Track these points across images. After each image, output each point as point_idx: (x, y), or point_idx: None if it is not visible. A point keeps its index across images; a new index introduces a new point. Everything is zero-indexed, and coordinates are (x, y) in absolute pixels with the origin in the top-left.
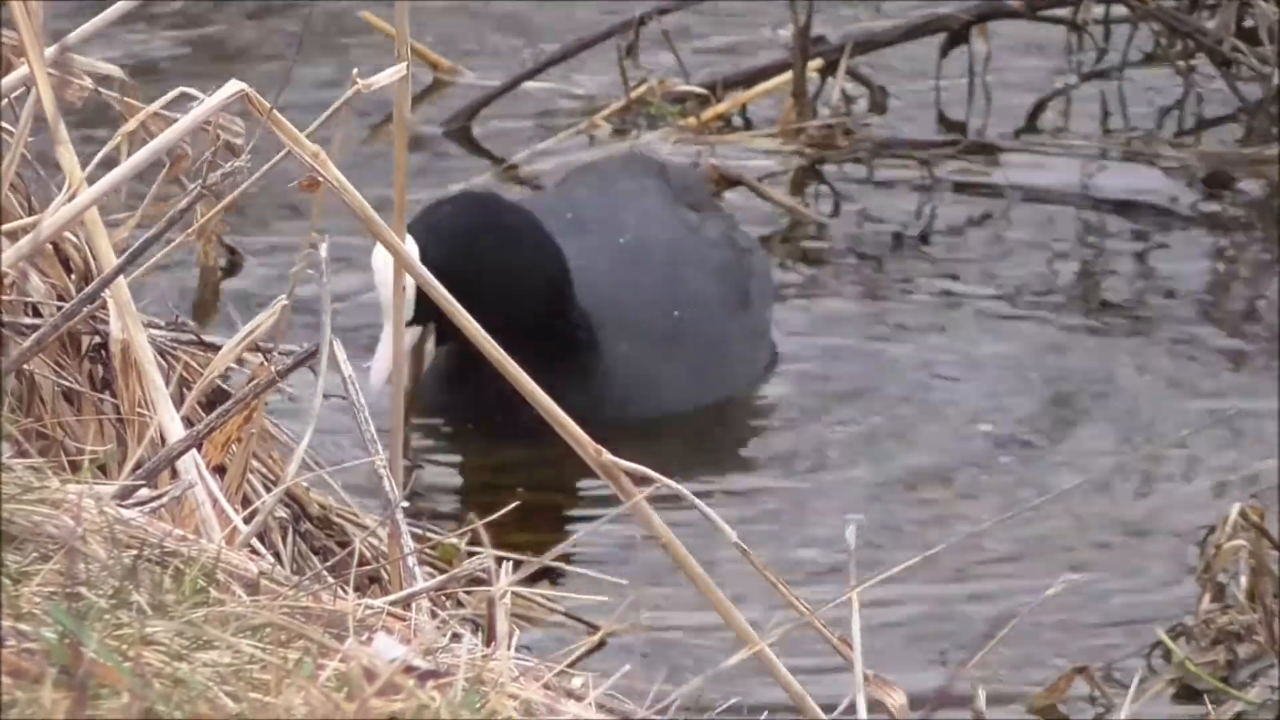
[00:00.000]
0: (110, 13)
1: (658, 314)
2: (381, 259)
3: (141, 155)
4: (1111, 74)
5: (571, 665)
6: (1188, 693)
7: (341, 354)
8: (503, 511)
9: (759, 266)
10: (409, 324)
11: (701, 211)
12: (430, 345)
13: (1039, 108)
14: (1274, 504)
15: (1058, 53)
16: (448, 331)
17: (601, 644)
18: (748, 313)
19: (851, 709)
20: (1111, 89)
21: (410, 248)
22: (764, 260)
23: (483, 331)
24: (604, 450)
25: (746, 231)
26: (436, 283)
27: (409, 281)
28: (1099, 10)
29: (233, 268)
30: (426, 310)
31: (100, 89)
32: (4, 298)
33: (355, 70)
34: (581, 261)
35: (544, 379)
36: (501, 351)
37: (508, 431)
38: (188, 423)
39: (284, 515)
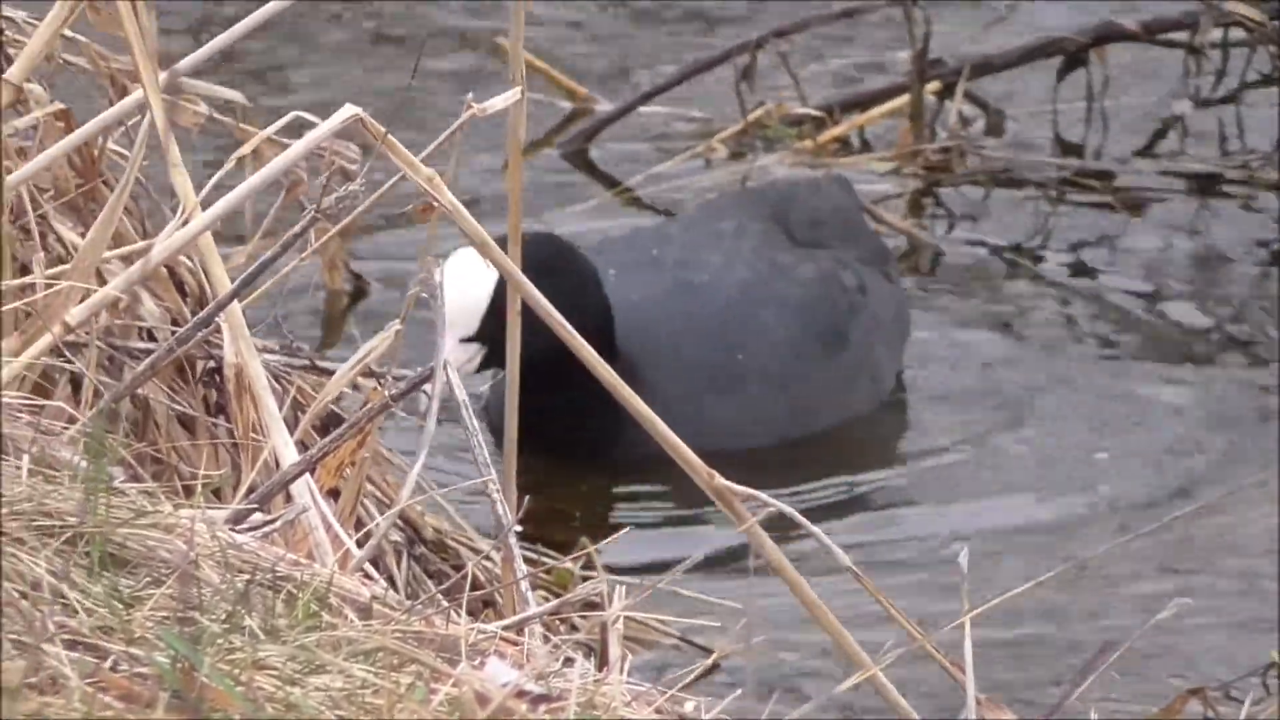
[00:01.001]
0: (226, 37)
1: (717, 354)
2: (450, 277)
3: (256, 180)
4: (1229, 99)
5: (684, 689)
6: None
7: (455, 378)
8: (616, 536)
9: (876, 304)
10: (465, 340)
11: (825, 246)
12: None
13: (1158, 134)
14: None
15: (1175, 76)
16: (498, 356)
17: (715, 667)
18: (842, 350)
19: None
20: (1229, 111)
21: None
22: (889, 298)
23: (595, 355)
24: (716, 474)
25: (880, 270)
26: (554, 310)
27: (473, 299)
28: (1217, 34)
29: (359, 293)
30: (484, 332)
31: (216, 113)
32: (119, 322)
33: (469, 94)
34: (645, 300)
35: (580, 411)
36: (614, 374)
37: (570, 455)
38: (301, 447)
39: (398, 539)
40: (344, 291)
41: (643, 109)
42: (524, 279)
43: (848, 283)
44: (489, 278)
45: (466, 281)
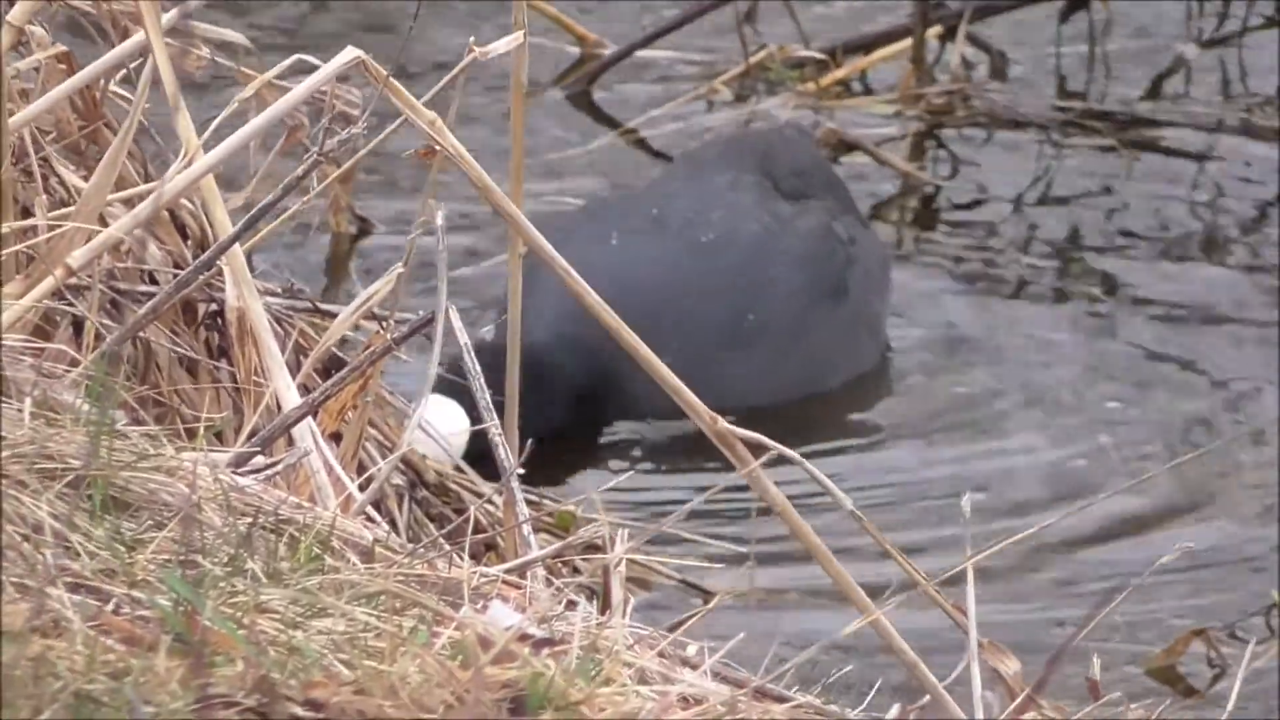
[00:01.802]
0: None
1: (728, 313)
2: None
3: (258, 123)
4: (1232, 40)
5: (686, 632)
6: None
7: (457, 321)
8: (619, 480)
9: (865, 256)
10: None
11: (810, 197)
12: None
13: (1161, 77)
14: None
15: (1178, 18)
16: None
17: (715, 609)
18: (844, 303)
19: (966, 676)
20: (1232, 55)
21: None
22: (873, 249)
23: (607, 310)
24: (720, 418)
25: (856, 219)
26: (554, 252)
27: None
28: None
29: (363, 235)
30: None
31: (218, 57)
32: (121, 265)
33: (472, 38)
34: (656, 263)
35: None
36: (618, 319)
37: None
38: (304, 390)
39: (400, 482)
40: (348, 234)
41: (645, 51)
42: (529, 225)
43: (841, 234)
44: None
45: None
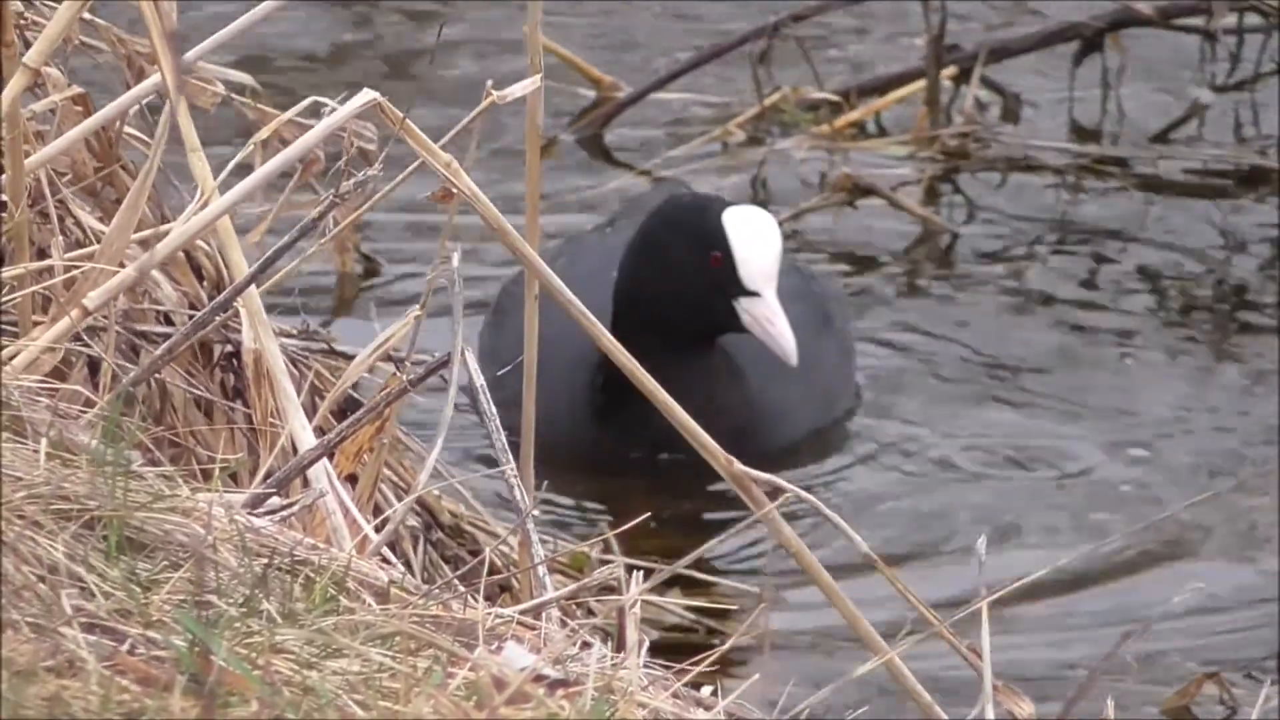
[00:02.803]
0: (246, 20)
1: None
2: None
3: (274, 164)
4: (1246, 84)
5: (700, 675)
6: None
7: (473, 363)
8: (634, 522)
9: (830, 289)
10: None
11: None
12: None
13: (1177, 123)
14: None
15: (1191, 62)
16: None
17: (730, 650)
18: (830, 332)
19: (980, 718)
20: (1245, 97)
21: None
22: (826, 280)
23: (616, 345)
24: (735, 460)
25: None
26: (568, 291)
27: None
28: (1231, 19)
29: (370, 275)
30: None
31: (233, 95)
32: (136, 306)
33: (490, 82)
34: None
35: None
36: (632, 360)
37: (668, 461)
38: (320, 432)
39: (415, 524)
40: (355, 274)
41: (659, 94)
42: (545, 267)
43: (803, 269)
44: (774, 228)
45: (762, 235)
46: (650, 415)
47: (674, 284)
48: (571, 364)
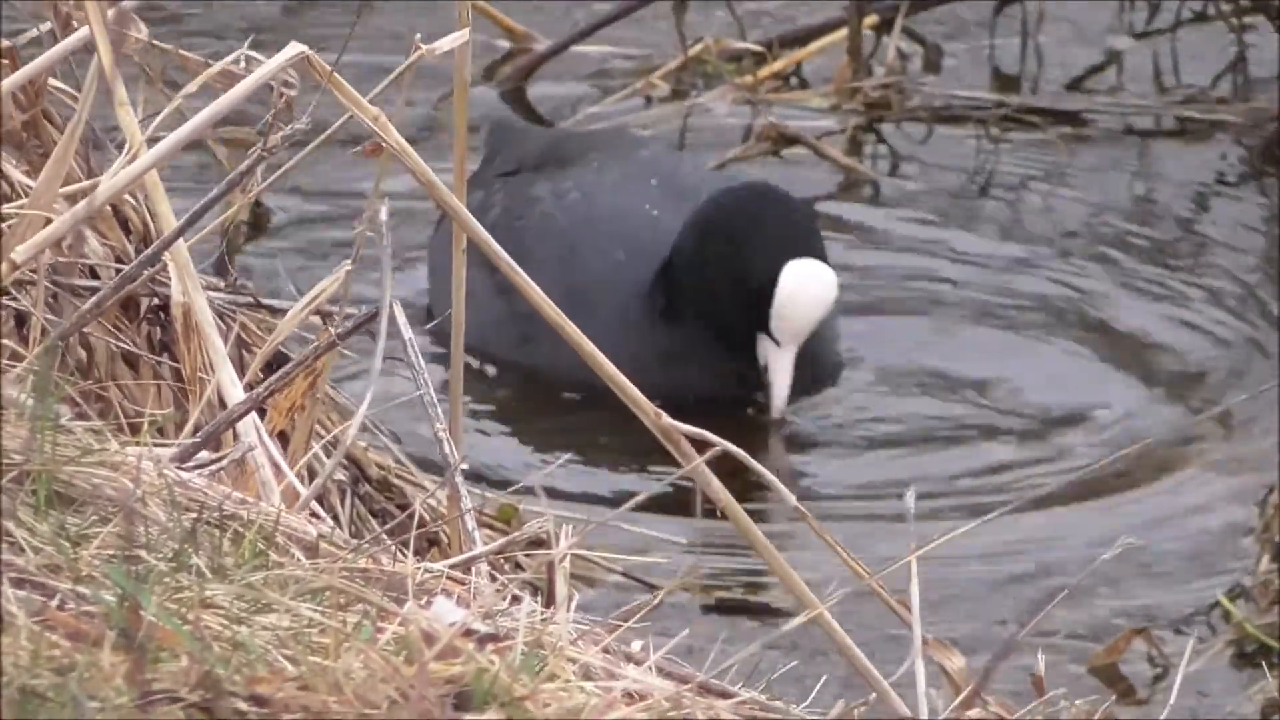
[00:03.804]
0: None
1: None
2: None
3: (202, 118)
4: (1165, 32)
5: (631, 627)
6: (1247, 653)
7: (401, 317)
8: (555, 464)
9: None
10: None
11: None
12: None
13: (1093, 70)
14: None
15: (1111, 10)
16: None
17: (660, 605)
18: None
19: (910, 672)
20: (1165, 46)
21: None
22: None
23: (543, 295)
24: (663, 414)
25: None
26: (495, 244)
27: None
28: None
29: (258, 223)
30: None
31: (158, 44)
32: (62, 260)
33: (418, 35)
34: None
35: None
36: (563, 315)
37: (735, 407)
38: (248, 387)
39: (343, 478)
40: (243, 221)
41: (580, 46)
42: (472, 219)
43: None
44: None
45: (809, 300)
46: (715, 354)
47: (713, 284)
48: (621, 307)
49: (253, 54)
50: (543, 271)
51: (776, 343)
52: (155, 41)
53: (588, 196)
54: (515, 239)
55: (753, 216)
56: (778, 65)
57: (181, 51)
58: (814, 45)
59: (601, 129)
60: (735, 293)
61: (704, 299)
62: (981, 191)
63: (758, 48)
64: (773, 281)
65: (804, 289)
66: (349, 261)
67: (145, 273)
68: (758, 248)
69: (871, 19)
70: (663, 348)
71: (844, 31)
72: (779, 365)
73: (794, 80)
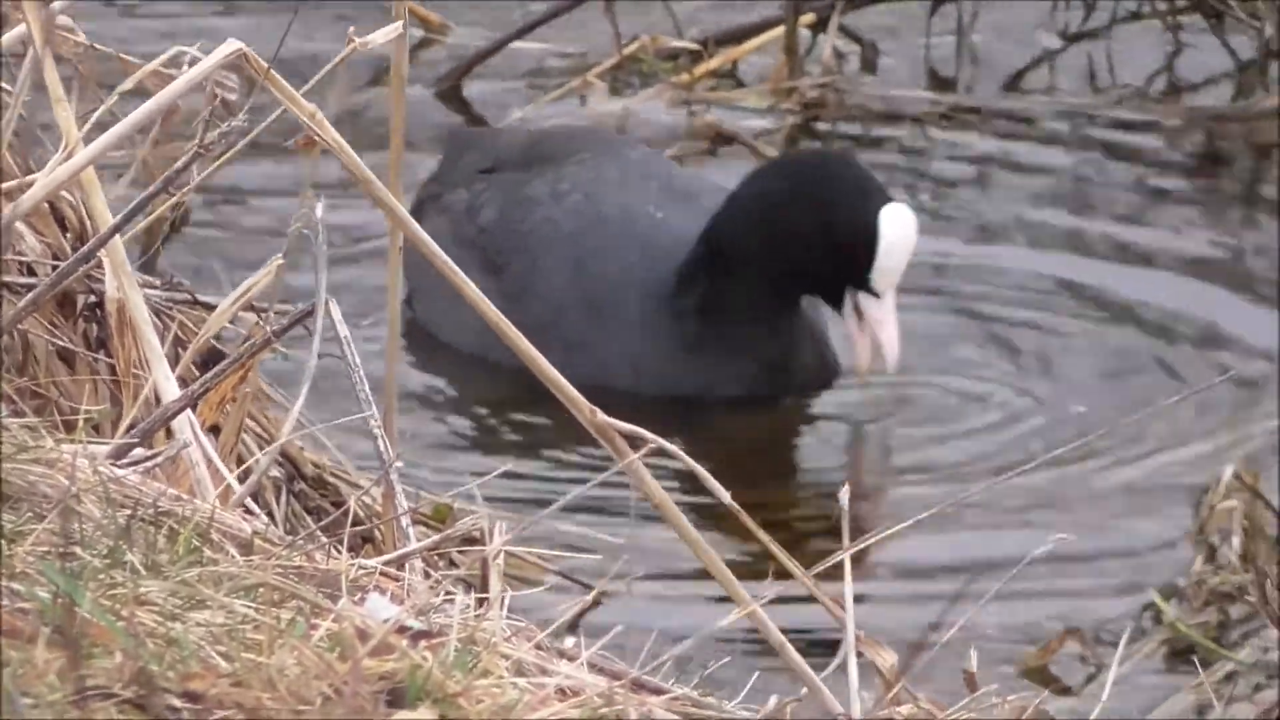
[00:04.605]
0: None
1: None
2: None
3: (138, 114)
4: (1099, 31)
5: (565, 625)
6: (1179, 653)
7: (337, 313)
8: (497, 472)
9: None
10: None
11: None
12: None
13: (1027, 68)
14: (1270, 466)
15: (1045, 9)
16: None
17: (597, 604)
18: None
19: (843, 669)
20: (1099, 46)
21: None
22: None
23: (480, 294)
24: (598, 411)
25: None
26: (432, 242)
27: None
28: None
29: (179, 219)
30: None
31: (96, 45)
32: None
33: (351, 29)
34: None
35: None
36: (497, 313)
37: (767, 401)
38: (183, 383)
39: (278, 475)
40: (164, 218)
41: (515, 45)
42: (409, 217)
43: None
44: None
45: (908, 240)
46: (744, 353)
47: (795, 249)
48: (643, 310)
49: (188, 49)
50: (553, 278)
51: (874, 294)
52: (95, 44)
53: (590, 198)
54: (517, 243)
55: (825, 174)
56: (714, 64)
57: (120, 55)
58: (750, 44)
59: (580, 127)
60: (822, 251)
61: (771, 270)
62: (916, 191)
63: (694, 46)
64: (870, 230)
65: (904, 232)
66: (279, 256)
67: (81, 269)
68: (845, 200)
69: (808, 17)
70: (692, 349)
71: (780, 30)
72: (884, 315)
73: (730, 79)
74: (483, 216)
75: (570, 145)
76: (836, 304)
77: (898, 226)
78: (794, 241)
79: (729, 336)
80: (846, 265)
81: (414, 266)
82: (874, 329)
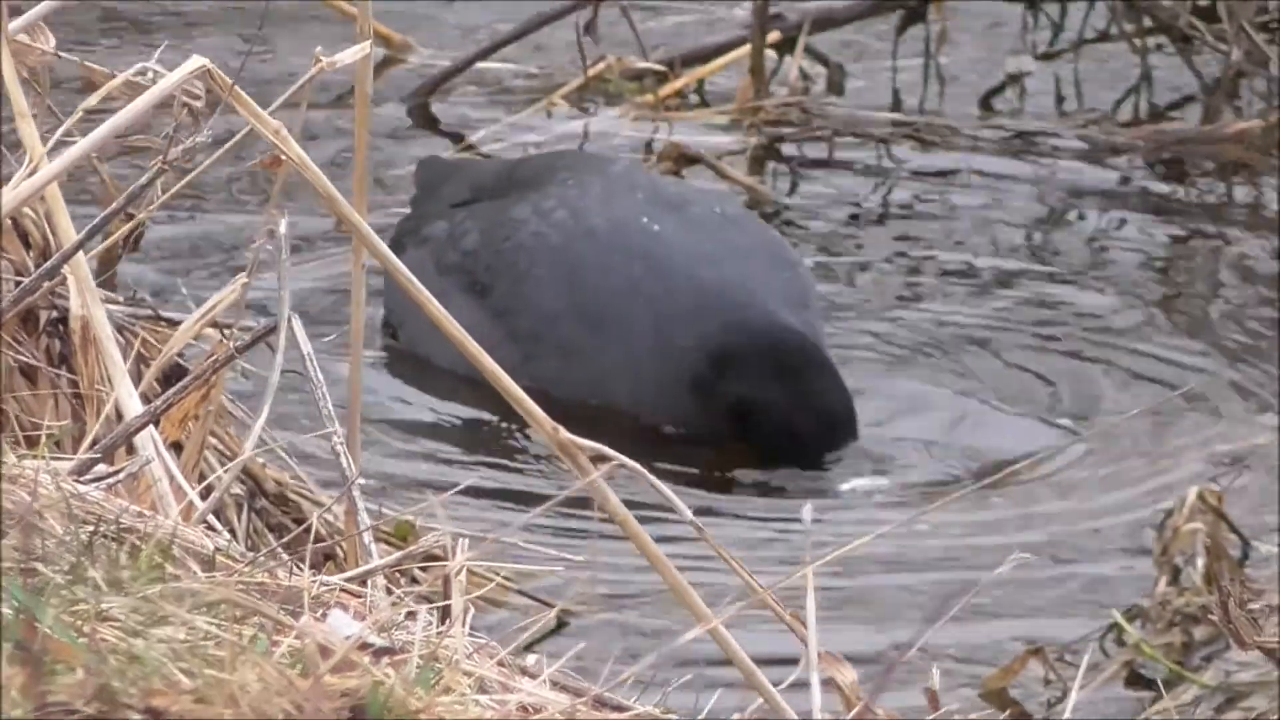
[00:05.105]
0: None
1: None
2: None
3: (103, 131)
4: (1067, 54)
5: (531, 644)
6: (1141, 676)
7: (300, 331)
8: (459, 488)
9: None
10: None
11: None
12: None
13: (996, 90)
14: (1231, 485)
15: (1014, 32)
16: None
17: (563, 624)
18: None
19: (804, 686)
20: (1067, 68)
21: None
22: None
23: (428, 294)
24: (561, 428)
25: None
26: (400, 265)
27: None
28: None
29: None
30: None
31: (61, 54)
32: None
33: (318, 48)
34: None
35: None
36: (464, 332)
37: (776, 446)
38: (146, 399)
39: (240, 492)
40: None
41: (483, 63)
42: (373, 234)
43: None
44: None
45: None
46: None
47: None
48: (655, 328)
49: (154, 66)
50: (543, 289)
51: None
52: (60, 53)
53: (577, 212)
54: (503, 261)
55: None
56: (679, 83)
57: (86, 64)
58: (716, 64)
59: (557, 150)
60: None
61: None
62: (882, 213)
63: (659, 67)
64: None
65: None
66: (244, 274)
67: (44, 285)
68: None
69: (774, 38)
70: (702, 391)
71: (746, 50)
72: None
73: (695, 99)
74: (465, 243)
75: (548, 167)
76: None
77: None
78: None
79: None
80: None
81: (396, 296)
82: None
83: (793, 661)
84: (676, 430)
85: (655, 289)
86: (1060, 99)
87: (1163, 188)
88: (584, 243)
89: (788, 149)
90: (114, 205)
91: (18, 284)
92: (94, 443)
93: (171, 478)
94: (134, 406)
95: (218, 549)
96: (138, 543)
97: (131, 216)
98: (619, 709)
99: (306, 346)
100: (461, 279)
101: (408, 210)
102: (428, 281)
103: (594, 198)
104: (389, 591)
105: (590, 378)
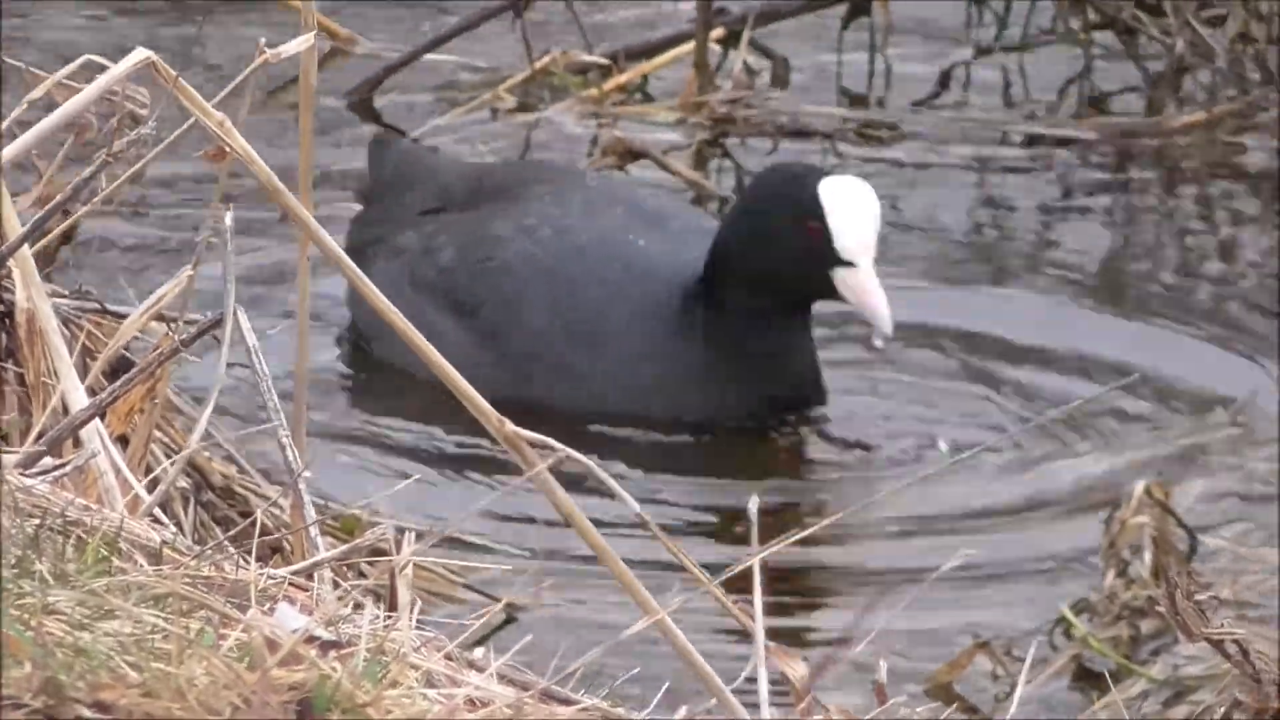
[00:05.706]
0: None
1: None
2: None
3: (46, 124)
4: (1012, 47)
5: (479, 638)
6: (1089, 670)
7: (245, 324)
8: (405, 483)
9: None
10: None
11: None
12: None
13: (941, 84)
14: (1178, 479)
15: (959, 26)
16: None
17: (511, 619)
18: None
19: (753, 679)
20: (1012, 61)
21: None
22: None
23: (386, 300)
24: (507, 421)
25: None
26: (341, 252)
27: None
28: None
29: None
30: None
31: (6, 57)
32: None
33: (262, 39)
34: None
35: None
36: (417, 332)
37: (779, 428)
38: (91, 392)
39: (186, 485)
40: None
41: (427, 57)
42: (319, 227)
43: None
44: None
45: (859, 205)
46: (762, 376)
47: (772, 252)
48: (643, 333)
49: (97, 59)
50: (536, 310)
51: (850, 264)
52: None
53: (562, 231)
54: (488, 281)
55: (774, 176)
56: (623, 78)
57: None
58: (660, 58)
59: (526, 161)
60: (792, 244)
61: (763, 273)
62: None
63: (604, 61)
64: (814, 204)
65: (849, 194)
66: (190, 267)
67: None
68: (792, 193)
69: (718, 32)
70: (698, 371)
71: (691, 45)
72: (864, 284)
73: (640, 94)
74: (442, 258)
75: (522, 180)
76: (831, 291)
77: (841, 194)
78: (769, 246)
79: (736, 363)
80: (813, 249)
81: (365, 308)
82: (859, 300)
83: (747, 653)
84: (681, 418)
85: (646, 298)
86: (1006, 91)
87: (1107, 178)
88: (573, 261)
89: (732, 143)
90: (57, 199)
91: None
92: (40, 435)
93: (118, 471)
94: (80, 400)
95: (164, 542)
96: (84, 536)
97: (69, 214)
98: (566, 702)
99: (252, 339)
100: (439, 297)
101: (354, 201)
102: (402, 297)
103: (576, 214)
104: (336, 585)
105: (589, 392)
